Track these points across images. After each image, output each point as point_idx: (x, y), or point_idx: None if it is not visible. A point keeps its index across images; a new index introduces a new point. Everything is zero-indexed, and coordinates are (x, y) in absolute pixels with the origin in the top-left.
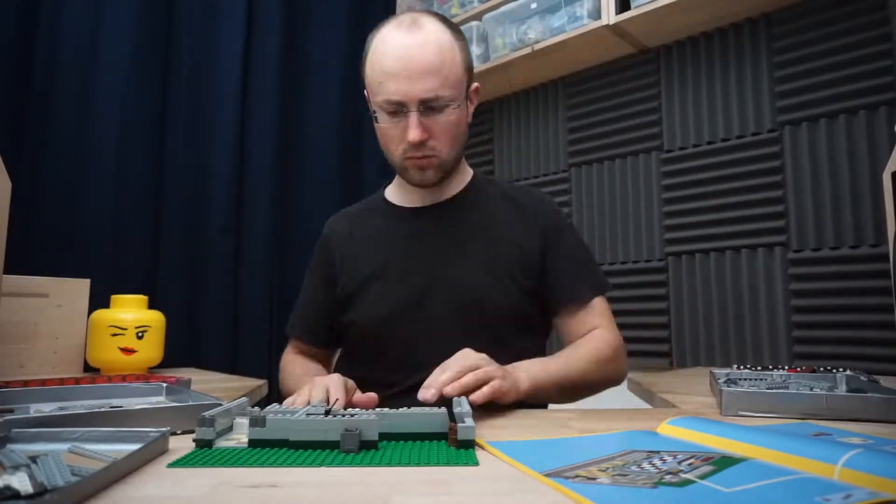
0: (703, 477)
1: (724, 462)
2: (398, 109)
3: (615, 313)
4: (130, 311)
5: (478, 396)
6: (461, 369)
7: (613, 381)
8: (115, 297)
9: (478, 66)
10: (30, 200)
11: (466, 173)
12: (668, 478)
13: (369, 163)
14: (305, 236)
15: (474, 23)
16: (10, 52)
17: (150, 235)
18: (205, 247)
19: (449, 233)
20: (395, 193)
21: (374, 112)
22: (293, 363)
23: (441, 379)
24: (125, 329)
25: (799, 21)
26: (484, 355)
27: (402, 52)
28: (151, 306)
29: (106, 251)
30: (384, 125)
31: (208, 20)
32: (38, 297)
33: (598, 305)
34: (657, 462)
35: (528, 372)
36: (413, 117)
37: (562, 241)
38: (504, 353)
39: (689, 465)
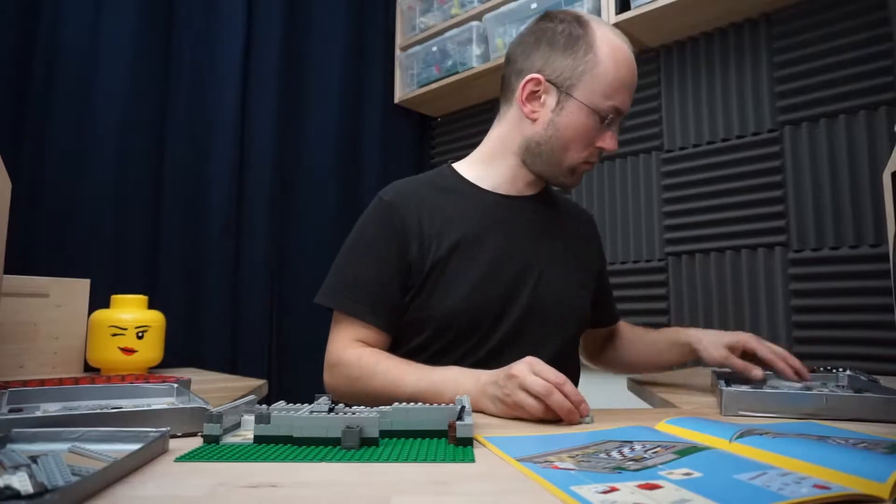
0: (662, 463)
1: (687, 451)
2: (613, 119)
3: None
4: (130, 311)
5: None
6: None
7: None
8: (115, 297)
9: (478, 66)
10: (30, 200)
11: None
12: (629, 464)
13: (369, 163)
14: (305, 236)
15: (474, 23)
16: (10, 52)
17: (150, 235)
18: (205, 247)
19: (542, 228)
20: (484, 177)
21: (581, 107)
22: (380, 356)
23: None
24: (125, 329)
25: (799, 21)
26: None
27: (633, 68)
28: (151, 306)
29: (106, 251)
30: (590, 126)
31: (208, 20)
32: (38, 297)
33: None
34: (626, 451)
35: None
36: (616, 128)
37: (605, 261)
38: (568, 355)
39: (654, 453)
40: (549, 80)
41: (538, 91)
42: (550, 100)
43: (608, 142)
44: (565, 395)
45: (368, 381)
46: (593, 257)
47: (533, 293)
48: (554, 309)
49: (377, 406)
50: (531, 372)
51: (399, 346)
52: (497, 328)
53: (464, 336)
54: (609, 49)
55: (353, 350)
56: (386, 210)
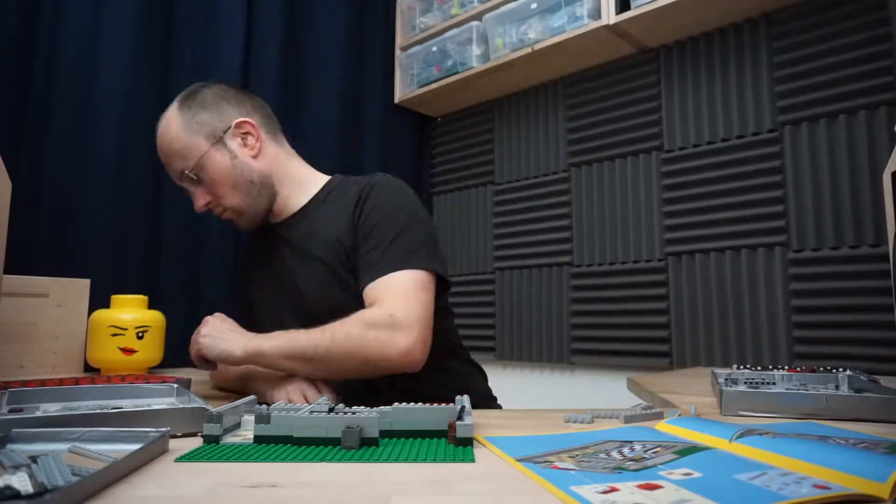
0: (662, 463)
1: (687, 451)
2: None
3: (615, 313)
4: (130, 311)
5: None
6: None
7: (373, 359)
8: (115, 297)
9: (478, 67)
10: (30, 200)
11: (313, 185)
12: (629, 464)
13: (369, 163)
14: None
15: (474, 23)
16: (10, 52)
17: (150, 235)
18: (205, 247)
19: (286, 246)
20: None
21: None
22: None
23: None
24: (125, 329)
25: (799, 21)
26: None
27: (158, 141)
28: (151, 306)
29: (106, 251)
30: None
31: (208, 20)
32: (38, 297)
33: (394, 281)
34: (626, 451)
35: (246, 337)
36: (192, 191)
37: (371, 222)
38: (403, 383)
39: (654, 453)
40: None
41: None
42: None
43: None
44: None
45: None
46: (343, 237)
47: (285, 305)
48: (303, 313)
49: None
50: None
51: None
52: None
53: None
54: None
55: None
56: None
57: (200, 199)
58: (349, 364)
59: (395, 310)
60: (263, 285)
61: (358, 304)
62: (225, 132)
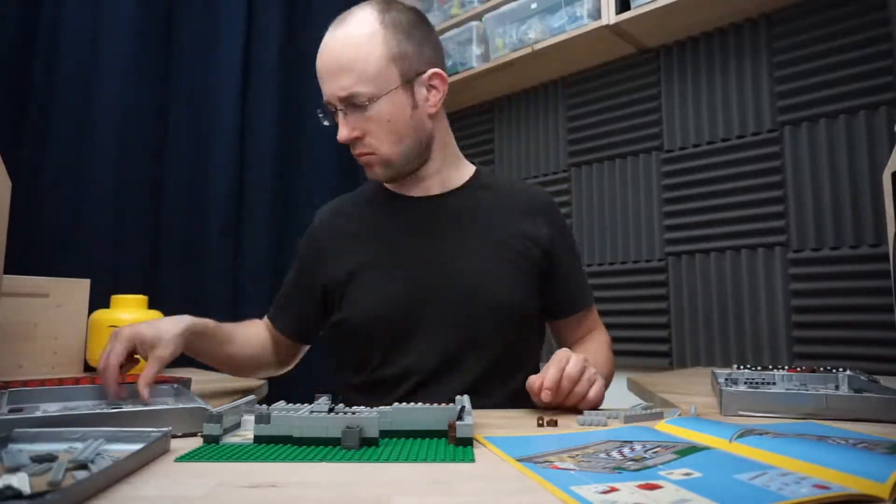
0: (662, 464)
1: (687, 451)
2: (329, 108)
3: (615, 313)
4: (130, 311)
5: (587, 405)
6: (574, 375)
7: (611, 379)
8: (115, 297)
9: (478, 66)
10: (30, 200)
11: (465, 167)
12: (629, 464)
13: None
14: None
15: (474, 23)
16: (10, 52)
17: (150, 235)
18: (205, 247)
19: (454, 225)
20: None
21: None
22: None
23: (563, 386)
24: None
25: (799, 21)
26: (583, 355)
27: (323, 49)
28: (151, 306)
29: (106, 251)
30: (332, 122)
31: (208, 20)
32: (38, 297)
33: (594, 310)
34: (626, 451)
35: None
36: (340, 117)
37: (566, 245)
38: (503, 351)
39: (654, 453)
40: None
41: None
42: None
43: (338, 133)
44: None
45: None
46: (536, 236)
47: (440, 290)
48: (461, 299)
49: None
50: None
51: (337, 357)
52: (415, 330)
53: (375, 343)
54: None
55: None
56: (307, 234)
57: (349, 130)
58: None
59: (609, 339)
60: (396, 251)
61: (523, 304)
62: (418, 76)
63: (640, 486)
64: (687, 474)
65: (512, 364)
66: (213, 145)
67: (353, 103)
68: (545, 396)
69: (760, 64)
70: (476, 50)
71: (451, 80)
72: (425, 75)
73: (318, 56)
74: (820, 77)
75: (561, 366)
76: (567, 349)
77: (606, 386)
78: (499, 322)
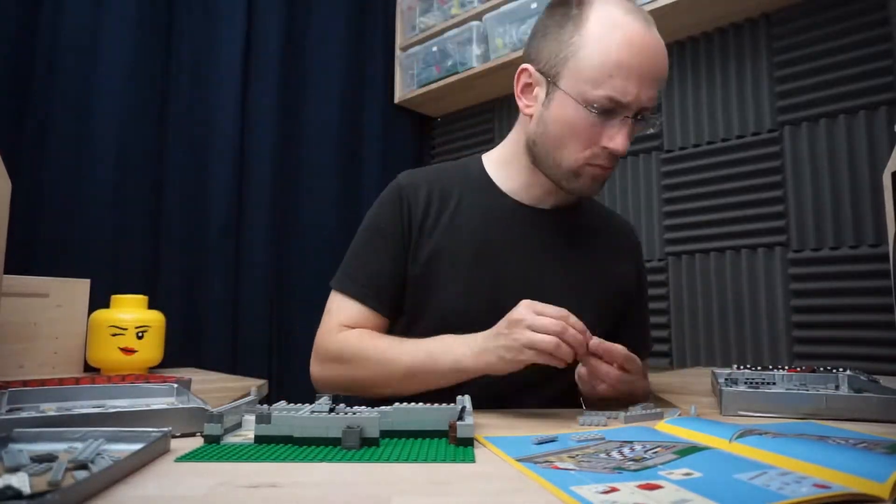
0: (662, 464)
1: (687, 451)
2: (612, 110)
3: None
4: (130, 311)
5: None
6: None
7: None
8: (115, 297)
9: (478, 67)
10: (30, 200)
11: None
12: (629, 464)
13: (369, 163)
14: (305, 236)
15: (474, 23)
16: (10, 51)
17: (150, 235)
18: (205, 247)
19: (555, 245)
20: (504, 180)
21: (568, 99)
22: (376, 336)
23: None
24: (125, 329)
25: (799, 21)
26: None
27: (646, 50)
28: (151, 306)
29: (106, 251)
30: (582, 120)
31: (208, 20)
32: (38, 297)
33: (647, 361)
34: (626, 451)
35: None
36: (629, 125)
37: (643, 287)
38: (563, 379)
39: (654, 453)
40: (538, 70)
41: (531, 83)
42: (541, 92)
43: (613, 141)
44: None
45: (361, 364)
46: (623, 280)
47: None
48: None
49: (373, 391)
50: (534, 312)
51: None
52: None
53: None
54: (601, 28)
55: (338, 336)
56: (396, 193)
57: (628, 143)
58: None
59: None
60: (493, 252)
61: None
62: None
63: (641, 487)
64: (687, 474)
65: (570, 394)
66: (214, 145)
67: (644, 116)
68: (602, 389)
69: (760, 64)
70: (476, 50)
71: (451, 80)
72: None
73: (639, 51)
74: (820, 77)
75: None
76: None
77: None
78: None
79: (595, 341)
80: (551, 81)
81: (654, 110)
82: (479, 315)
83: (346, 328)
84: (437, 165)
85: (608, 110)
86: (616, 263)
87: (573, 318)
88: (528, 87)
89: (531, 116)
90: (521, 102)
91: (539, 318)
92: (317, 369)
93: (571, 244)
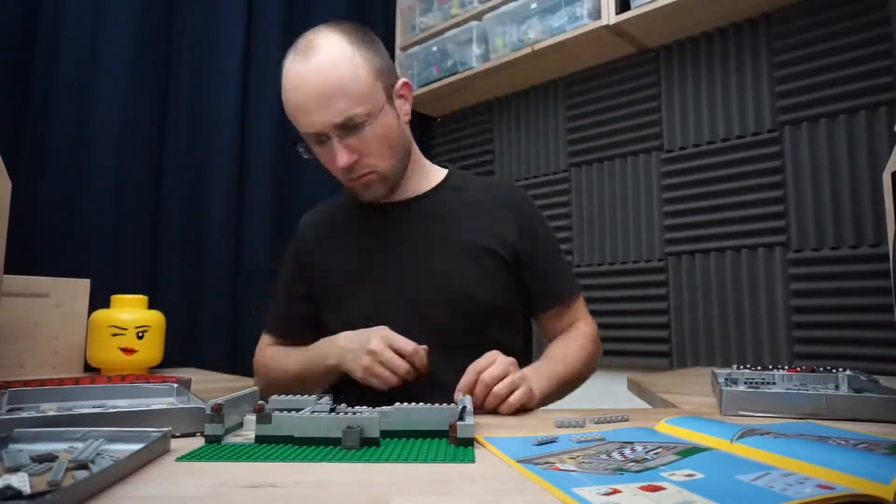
0: (664, 465)
1: (688, 452)
2: (320, 139)
3: (615, 313)
4: (130, 311)
5: (507, 409)
6: (494, 378)
7: (595, 369)
8: (115, 297)
9: (478, 67)
10: (30, 200)
11: (433, 171)
12: (630, 465)
13: None
14: None
15: (474, 23)
16: (10, 52)
17: (150, 236)
18: (205, 247)
19: (423, 228)
20: None
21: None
22: (280, 351)
23: (477, 390)
24: (125, 329)
25: (799, 21)
26: (511, 360)
27: (300, 83)
28: (151, 306)
29: (106, 251)
30: (318, 152)
31: (208, 20)
32: (38, 297)
33: (579, 301)
34: (627, 452)
35: (539, 381)
36: (335, 144)
37: (539, 238)
38: (488, 350)
39: (656, 454)
40: None
41: None
42: None
43: (334, 162)
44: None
45: (270, 373)
46: (504, 241)
47: (423, 293)
48: (460, 300)
49: (283, 391)
50: (386, 346)
51: None
52: (407, 333)
53: None
54: (283, 77)
55: (268, 350)
56: (294, 240)
57: (346, 156)
58: (579, 382)
59: (595, 328)
60: (370, 260)
61: (492, 301)
62: (395, 88)
63: (643, 488)
64: (689, 475)
65: None
66: (213, 145)
67: (349, 126)
68: (456, 397)
69: (760, 64)
70: (476, 50)
71: (451, 80)
72: (398, 85)
73: (293, 91)
74: (820, 77)
75: (477, 369)
76: (496, 352)
77: (586, 376)
78: (471, 321)
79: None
80: None
81: (371, 109)
82: (382, 320)
83: (270, 345)
84: (328, 200)
85: (317, 141)
86: (490, 227)
87: (417, 358)
88: None
89: None
90: None
91: (383, 359)
92: (254, 379)
93: (432, 222)
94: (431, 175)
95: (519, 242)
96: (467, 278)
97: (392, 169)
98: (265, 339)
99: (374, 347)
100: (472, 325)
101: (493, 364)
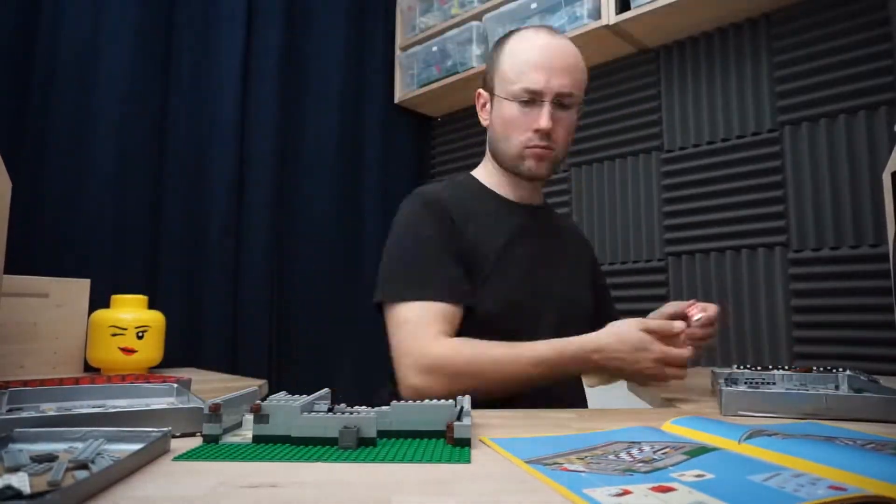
0: (673, 465)
1: (697, 452)
2: (533, 99)
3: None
4: (130, 311)
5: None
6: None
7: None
8: (115, 297)
9: (478, 67)
10: (30, 200)
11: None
12: (639, 466)
13: (369, 163)
14: (305, 236)
15: (474, 23)
16: (10, 52)
17: (150, 235)
18: (205, 246)
19: (551, 234)
20: (497, 185)
21: (501, 100)
22: (473, 345)
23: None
24: (125, 329)
25: (799, 21)
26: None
27: (548, 49)
28: (151, 306)
29: (106, 251)
30: (513, 113)
31: (208, 20)
32: (38, 297)
33: None
34: (634, 452)
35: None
36: (546, 108)
37: (600, 270)
38: (568, 381)
39: (664, 454)
40: (484, 90)
41: (483, 101)
42: (489, 104)
43: (539, 121)
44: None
45: (480, 372)
46: (588, 264)
47: (553, 301)
48: (576, 318)
49: (494, 395)
50: (661, 345)
51: None
52: (534, 326)
53: (497, 331)
54: (515, 42)
55: (444, 345)
56: (433, 205)
57: (551, 121)
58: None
59: None
60: (514, 249)
61: (591, 324)
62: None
63: (653, 489)
64: (699, 476)
65: (576, 395)
66: (214, 145)
67: (563, 103)
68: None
69: (760, 64)
70: (476, 50)
71: (451, 80)
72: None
73: (540, 51)
74: (820, 77)
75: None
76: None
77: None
78: (585, 330)
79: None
80: (491, 93)
81: (580, 99)
82: (525, 312)
83: (442, 335)
84: (438, 183)
85: (528, 100)
86: (580, 252)
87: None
88: (484, 105)
89: (488, 126)
90: (481, 117)
91: (668, 351)
92: (419, 380)
93: (556, 232)
94: (540, 191)
95: (592, 268)
96: (582, 290)
97: (561, 158)
98: (433, 324)
99: (660, 354)
100: (582, 327)
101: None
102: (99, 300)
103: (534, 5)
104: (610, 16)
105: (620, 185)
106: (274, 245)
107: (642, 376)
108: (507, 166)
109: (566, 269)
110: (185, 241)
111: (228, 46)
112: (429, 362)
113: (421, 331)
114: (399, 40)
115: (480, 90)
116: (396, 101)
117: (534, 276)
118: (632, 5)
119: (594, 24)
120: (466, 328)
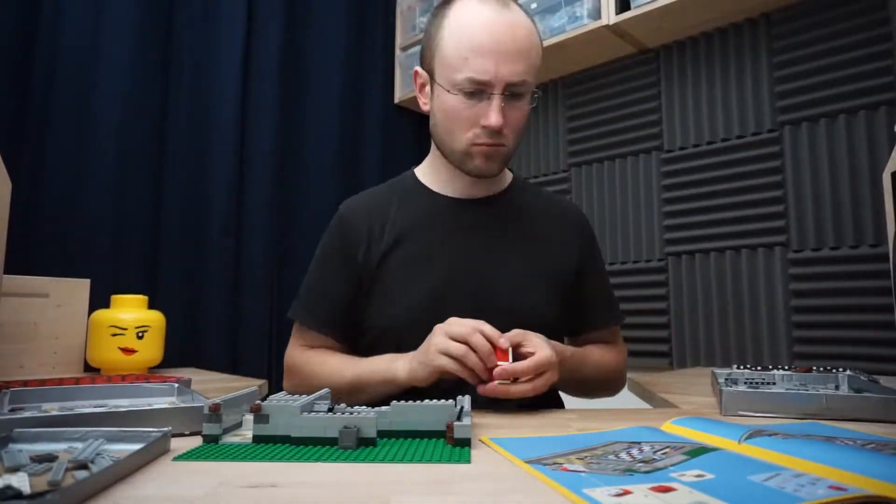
0: (673, 465)
1: (697, 452)
2: (479, 90)
3: None
4: (130, 311)
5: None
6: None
7: (608, 394)
8: (115, 297)
9: None
10: (30, 200)
11: (507, 173)
12: (639, 466)
13: (369, 163)
14: (305, 236)
15: None
16: (10, 52)
17: (150, 235)
18: (205, 247)
19: (493, 232)
20: (432, 180)
21: (443, 90)
22: (320, 355)
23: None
24: (125, 329)
25: (799, 21)
26: (556, 345)
27: (496, 27)
28: (151, 306)
29: (106, 251)
30: (457, 106)
31: (208, 20)
32: (38, 297)
33: (617, 330)
34: (634, 452)
35: (563, 368)
36: (496, 101)
37: (595, 260)
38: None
39: (664, 454)
40: (423, 69)
41: (422, 82)
42: (428, 88)
43: (487, 118)
44: (479, 354)
45: (314, 379)
46: (564, 257)
47: (477, 297)
48: (509, 311)
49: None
50: (446, 336)
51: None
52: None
53: (406, 345)
54: (457, 19)
55: (300, 354)
56: (337, 223)
57: (501, 117)
58: (596, 391)
59: (626, 358)
60: (441, 250)
61: (556, 323)
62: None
63: (653, 489)
64: (699, 476)
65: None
66: (213, 145)
67: (514, 92)
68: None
69: (760, 64)
70: None
71: None
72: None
73: (486, 32)
74: (820, 77)
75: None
76: (543, 341)
77: (602, 395)
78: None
79: (498, 370)
80: (431, 77)
81: (533, 86)
82: (426, 322)
83: (307, 348)
84: (374, 187)
85: (474, 91)
86: (556, 242)
87: (487, 328)
88: (423, 87)
89: (429, 112)
90: (420, 101)
91: (453, 326)
92: (284, 382)
93: (506, 228)
94: (506, 176)
95: (578, 263)
96: (534, 296)
97: (513, 152)
98: (307, 339)
99: (463, 331)
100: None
101: (545, 358)
102: (99, 300)
103: (534, 5)
104: (610, 16)
105: (620, 185)
106: (274, 245)
107: (422, 355)
108: (453, 162)
109: (508, 270)
110: (185, 241)
111: (228, 46)
112: (287, 366)
113: (292, 342)
114: (399, 40)
115: (418, 68)
116: (396, 101)
117: (456, 276)
118: (632, 5)
119: (594, 25)
120: (371, 342)
